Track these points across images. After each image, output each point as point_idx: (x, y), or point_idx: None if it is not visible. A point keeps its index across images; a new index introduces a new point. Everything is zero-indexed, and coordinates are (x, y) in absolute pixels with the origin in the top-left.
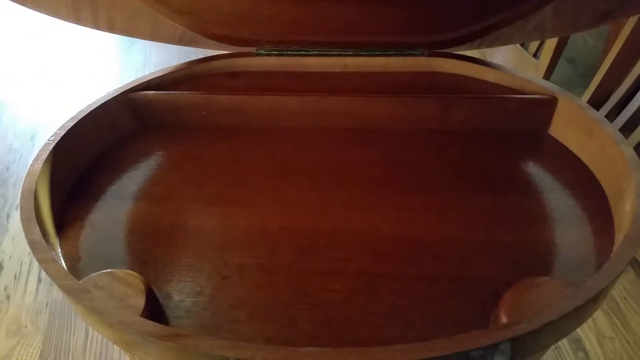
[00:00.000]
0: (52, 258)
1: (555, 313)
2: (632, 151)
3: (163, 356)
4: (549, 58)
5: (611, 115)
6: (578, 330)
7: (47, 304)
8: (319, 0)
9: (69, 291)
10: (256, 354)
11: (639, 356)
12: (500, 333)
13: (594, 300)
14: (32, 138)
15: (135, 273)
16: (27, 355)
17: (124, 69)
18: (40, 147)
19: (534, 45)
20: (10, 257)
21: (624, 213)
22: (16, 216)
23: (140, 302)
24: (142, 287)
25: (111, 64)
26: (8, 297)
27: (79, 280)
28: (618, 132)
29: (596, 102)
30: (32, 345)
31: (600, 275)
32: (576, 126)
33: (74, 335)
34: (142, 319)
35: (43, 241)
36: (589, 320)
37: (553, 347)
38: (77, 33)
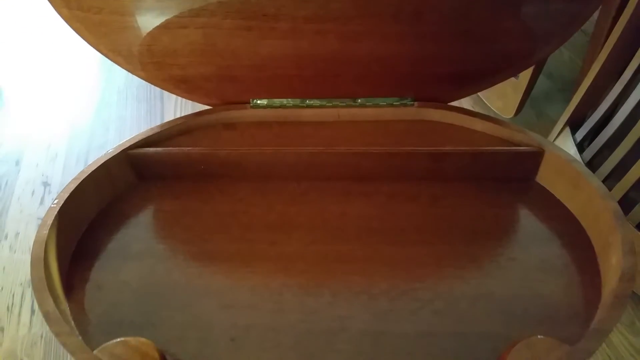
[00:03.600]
0: (68, 330)
1: None
2: (617, 206)
3: None
4: (529, 77)
5: (593, 134)
6: None
7: (41, 336)
8: (310, 59)
9: None
10: None
11: None
12: None
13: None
14: (17, 163)
15: (147, 341)
16: None
17: (105, 89)
18: (25, 173)
19: None
20: (2, 288)
21: (610, 266)
22: (5, 246)
23: None
24: (156, 355)
25: (93, 84)
26: (2, 329)
27: (93, 351)
28: (603, 185)
29: (576, 120)
30: None
31: (591, 335)
32: (563, 177)
33: None
34: None
35: (57, 312)
36: None
37: None
38: (56, 55)
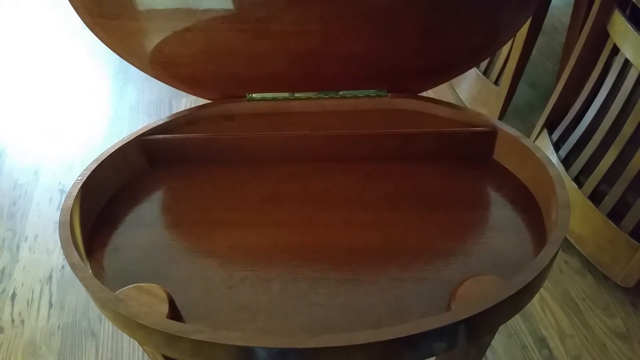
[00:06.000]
0: (91, 275)
1: (492, 302)
2: (557, 172)
3: (186, 349)
4: (508, 85)
5: (567, 134)
6: (542, 329)
7: (58, 327)
8: (297, 57)
9: (106, 302)
10: (262, 340)
11: (596, 351)
12: (448, 318)
13: (524, 291)
14: (35, 173)
15: (157, 285)
16: None
17: (118, 105)
18: (44, 181)
19: (495, 72)
20: (23, 284)
21: (551, 222)
22: (25, 247)
23: (164, 308)
24: (164, 296)
25: (106, 101)
26: (22, 321)
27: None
28: (547, 156)
29: (552, 122)
30: None
31: (527, 271)
32: (514, 152)
33: (85, 354)
34: (170, 320)
35: (81, 262)
36: (552, 320)
37: (520, 346)
38: (72, 72)
